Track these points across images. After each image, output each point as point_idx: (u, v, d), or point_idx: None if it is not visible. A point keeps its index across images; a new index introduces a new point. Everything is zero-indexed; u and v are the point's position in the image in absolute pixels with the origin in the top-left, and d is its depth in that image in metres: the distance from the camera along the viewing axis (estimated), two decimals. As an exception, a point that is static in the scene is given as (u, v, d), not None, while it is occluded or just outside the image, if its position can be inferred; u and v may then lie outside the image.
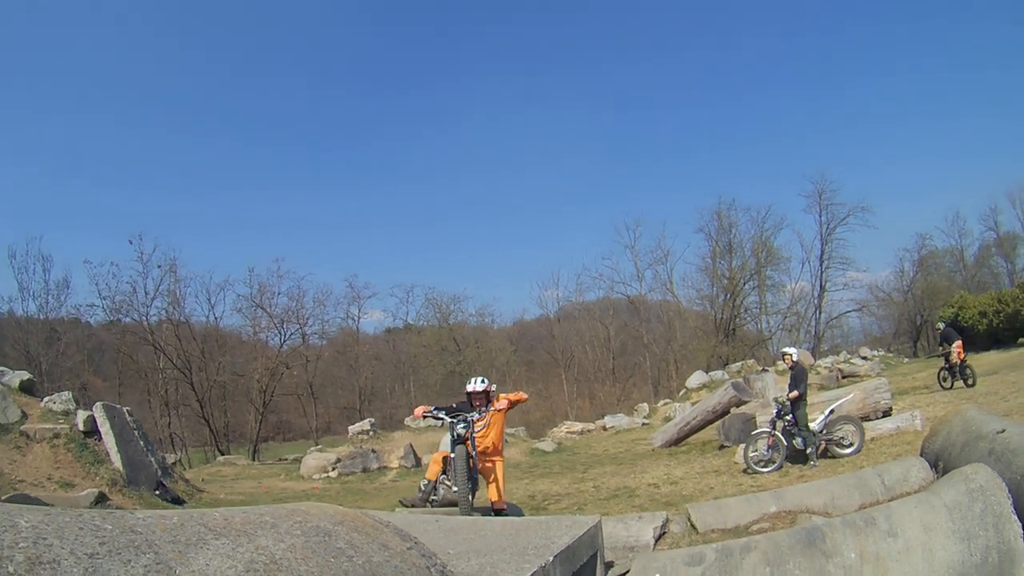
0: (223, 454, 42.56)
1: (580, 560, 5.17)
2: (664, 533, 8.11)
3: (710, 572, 5.46)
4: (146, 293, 48.03)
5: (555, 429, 34.74)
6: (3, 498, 14.47)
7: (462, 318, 63.34)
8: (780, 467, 13.97)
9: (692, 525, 8.30)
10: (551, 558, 4.48)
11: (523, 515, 11.34)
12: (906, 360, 48.76)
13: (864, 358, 43.08)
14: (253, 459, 42.15)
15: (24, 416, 18.34)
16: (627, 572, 5.79)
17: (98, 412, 19.08)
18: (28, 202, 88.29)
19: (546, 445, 28.11)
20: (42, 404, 19.44)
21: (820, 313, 61.83)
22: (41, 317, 48.24)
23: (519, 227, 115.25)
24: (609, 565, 6.65)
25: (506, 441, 10.32)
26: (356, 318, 62.70)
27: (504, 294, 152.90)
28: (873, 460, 12.61)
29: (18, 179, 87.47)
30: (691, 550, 5.78)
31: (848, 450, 13.96)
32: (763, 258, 59.67)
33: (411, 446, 26.25)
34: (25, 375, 21.08)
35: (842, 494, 8.20)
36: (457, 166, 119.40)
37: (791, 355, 15.12)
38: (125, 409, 20.76)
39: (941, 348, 24.34)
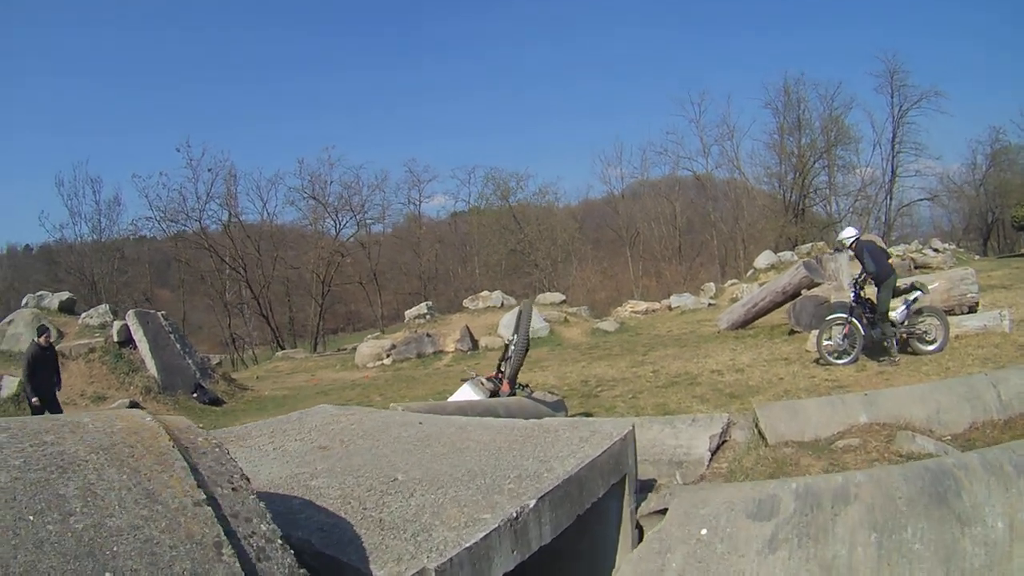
0: (283, 349, 42.28)
1: (592, 494, 3.59)
2: (724, 442, 6.38)
3: (786, 533, 3.78)
4: (197, 198, 47.99)
5: (619, 308, 33.22)
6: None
7: (524, 197, 62.01)
8: (856, 360, 12.31)
9: (760, 433, 6.49)
10: (532, 503, 2.96)
11: (565, 411, 10.16)
12: (977, 257, 45.96)
13: (935, 250, 40.36)
14: (314, 351, 42.02)
15: (60, 336, 18.56)
16: (664, 511, 4.32)
17: (131, 320, 19.04)
18: (72, 122, 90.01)
19: (608, 325, 26.68)
20: (80, 321, 19.81)
21: (891, 200, 59.01)
22: (93, 239, 48.87)
23: (580, 102, 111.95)
24: (649, 484, 5.22)
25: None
26: (417, 203, 61.86)
27: (567, 172, 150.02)
28: (959, 361, 11.11)
29: (60, 97, 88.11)
30: (759, 491, 4.02)
31: (931, 347, 12.16)
32: (833, 136, 56.55)
33: (467, 328, 25.25)
34: (65, 295, 21.46)
35: (950, 406, 6.38)
36: (514, 40, 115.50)
37: (846, 241, 13.22)
38: (160, 314, 20.69)
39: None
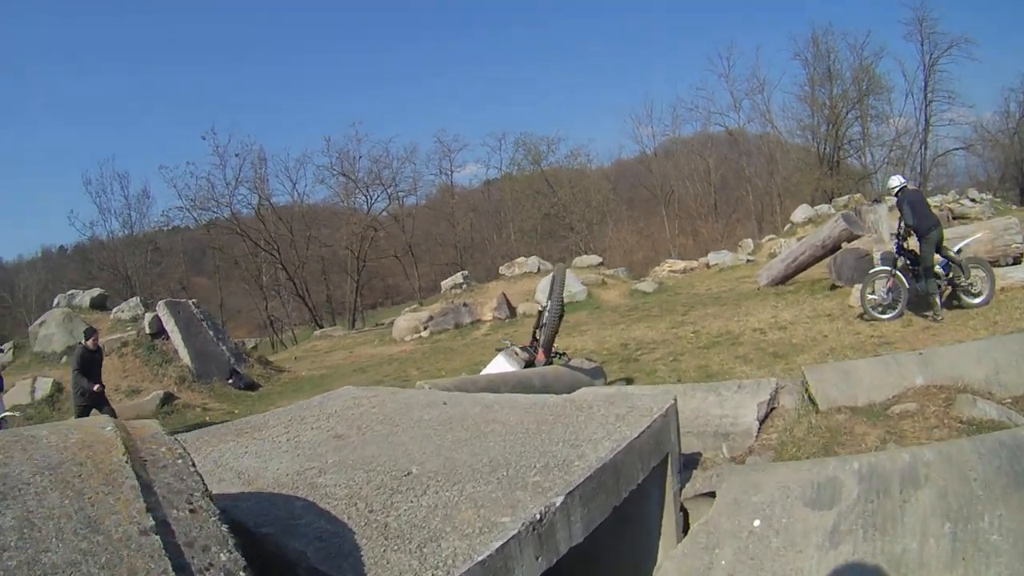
0: (321, 328, 42.41)
1: (630, 481, 3.18)
2: (773, 409, 5.96)
3: (849, 523, 3.33)
4: (226, 184, 48.04)
5: (657, 268, 32.92)
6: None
7: (556, 160, 61.67)
8: (901, 314, 11.87)
9: (810, 398, 6.06)
10: (559, 500, 2.61)
11: (603, 377, 9.86)
12: (1014, 207, 44.78)
13: (973, 200, 39.29)
14: (352, 327, 42.09)
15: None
16: (711, 494, 3.91)
17: (162, 311, 19.07)
18: (95, 119, 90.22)
19: (646, 286, 26.25)
20: (111, 316, 19.94)
21: (926, 149, 57.46)
22: (125, 234, 49.46)
23: (608, 63, 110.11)
24: (694, 459, 4.85)
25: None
26: (449, 173, 61.47)
27: (599, 134, 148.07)
28: (1007, 315, 10.60)
29: (80, 94, 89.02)
30: (817, 472, 3.46)
31: (977, 299, 11.63)
32: (865, 86, 55.52)
33: (504, 296, 24.99)
34: (96, 292, 21.63)
35: (1008, 365, 5.78)
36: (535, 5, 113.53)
37: (892, 189, 12.48)
38: (191, 302, 20.78)
39: None
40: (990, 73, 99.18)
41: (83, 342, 13.10)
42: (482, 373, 9.78)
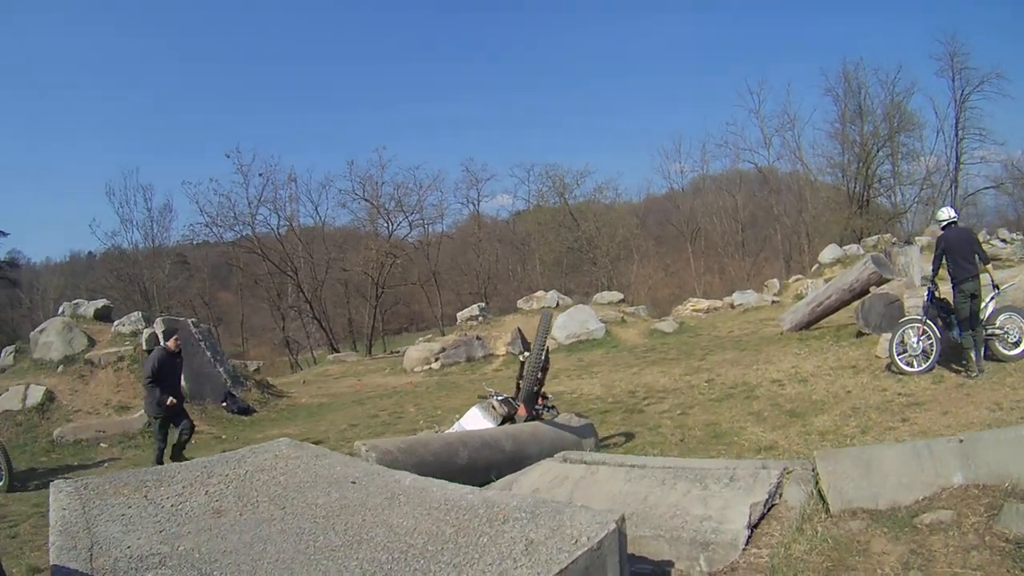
0: (336, 352, 41.91)
1: None
2: (773, 506, 4.79)
3: None
4: (248, 203, 47.57)
5: (680, 307, 32.24)
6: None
7: (582, 193, 60.73)
8: (932, 368, 10.87)
9: (821, 494, 4.89)
10: None
11: (594, 436, 9.00)
12: None
13: (1004, 240, 37.99)
14: (368, 353, 41.62)
15: (91, 343, 18.60)
16: None
17: (158, 328, 18.45)
18: (129, 136, 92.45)
19: (666, 326, 25.35)
20: (112, 328, 19.48)
21: (956, 188, 55.62)
22: (146, 245, 49.75)
23: (639, 96, 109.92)
24: (663, 570, 3.87)
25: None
26: (476, 202, 60.78)
27: (629, 168, 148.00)
28: None
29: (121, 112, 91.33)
30: None
31: (1015, 351, 10.67)
32: (896, 123, 54.12)
33: (519, 331, 24.03)
34: (101, 303, 21.23)
35: None
36: (566, 32, 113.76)
37: (942, 222, 11.21)
38: (190, 320, 20.71)
39: None
40: (1021, 109, 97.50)
41: (163, 343, 12.04)
42: (453, 428, 8.94)
